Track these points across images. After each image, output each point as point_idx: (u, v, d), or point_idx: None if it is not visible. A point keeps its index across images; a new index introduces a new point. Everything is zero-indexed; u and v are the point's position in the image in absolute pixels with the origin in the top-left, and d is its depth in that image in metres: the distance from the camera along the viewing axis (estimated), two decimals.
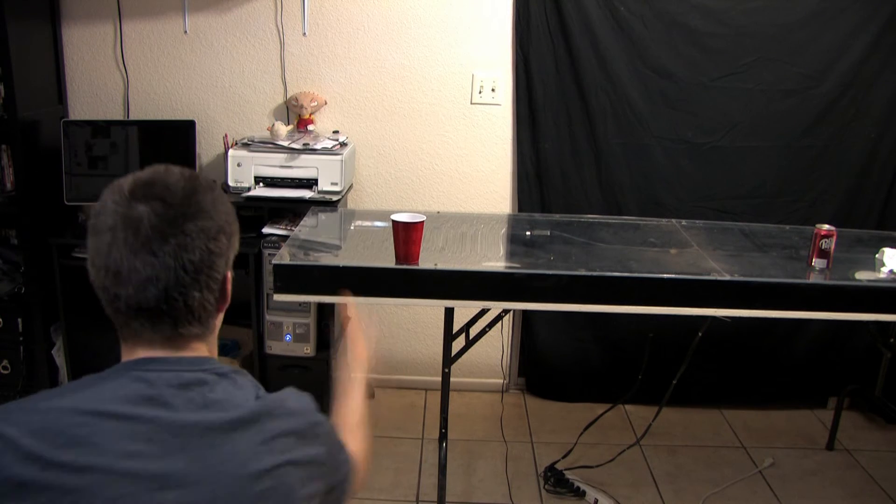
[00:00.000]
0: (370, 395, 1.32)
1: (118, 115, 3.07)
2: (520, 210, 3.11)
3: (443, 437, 2.45)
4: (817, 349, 3.22)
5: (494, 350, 3.22)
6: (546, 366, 3.28)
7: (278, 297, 2.08)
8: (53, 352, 2.95)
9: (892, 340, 2.87)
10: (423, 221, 2.09)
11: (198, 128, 2.94)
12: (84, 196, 2.92)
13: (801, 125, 3.01)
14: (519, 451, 2.93)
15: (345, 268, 2.08)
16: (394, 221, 2.09)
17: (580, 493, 2.64)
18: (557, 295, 2.09)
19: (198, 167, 2.98)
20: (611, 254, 2.35)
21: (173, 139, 2.93)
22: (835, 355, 3.23)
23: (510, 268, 2.18)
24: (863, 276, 2.24)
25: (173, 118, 3.04)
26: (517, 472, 2.78)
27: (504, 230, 2.67)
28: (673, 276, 2.09)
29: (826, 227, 2.24)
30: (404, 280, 2.09)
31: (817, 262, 2.24)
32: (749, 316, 2.11)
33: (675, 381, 2.58)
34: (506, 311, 2.30)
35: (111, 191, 0.94)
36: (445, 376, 2.39)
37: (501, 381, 3.33)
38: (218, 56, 3.03)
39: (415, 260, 2.09)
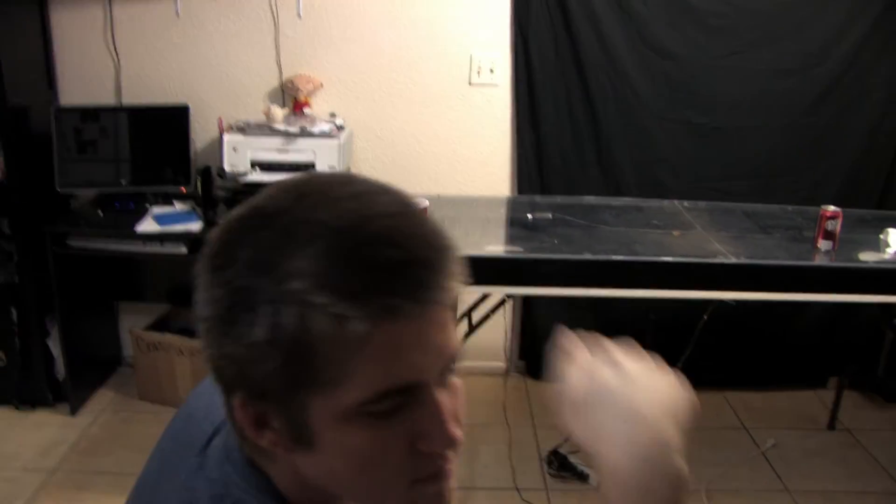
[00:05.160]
0: None
1: (110, 99, 3.01)
2: (519, 192, 3.07)
3: None
4: (818, 329, 3.22)
5: (496, 333, 3.19)
6: (547, 348, 3.26)
7: None
8: (49, 342, 2.92)
9: (895, 321, 2.86)
10: (425, 207, 2.06)
11: (192, 112, 2.89)
12: (76, 182, 2.87)
13: (803, 104, 2.98)
14: (522, 435, 2.92)
15: None
16: None
17: (584, 477, 2.64)
18: (562, 279, 2.06)
19: (192, 152, 2.93)
20: (614, 237, 2.33)
21: (167, 124, 2.87)
22: (835, 336, 3.22)
23: (513, 252, 2.15)
24: (867, 257, 2.23)
25: (166, 102, 2.98)
26: (520, 457, 2.77)
27: (505, 213, 2.64)
28: (679, 259, 2.07)
29: (832, 208, 2.22)
30: None
31: (823, 244, 2.22)
32: (757, 299, 2.10)
33: (679, 365, 2.57)
34: (508, 297, 2.28)
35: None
36: None
37: (503, 364, 3.32)
38: (211, 38, 2.97)
39: None
